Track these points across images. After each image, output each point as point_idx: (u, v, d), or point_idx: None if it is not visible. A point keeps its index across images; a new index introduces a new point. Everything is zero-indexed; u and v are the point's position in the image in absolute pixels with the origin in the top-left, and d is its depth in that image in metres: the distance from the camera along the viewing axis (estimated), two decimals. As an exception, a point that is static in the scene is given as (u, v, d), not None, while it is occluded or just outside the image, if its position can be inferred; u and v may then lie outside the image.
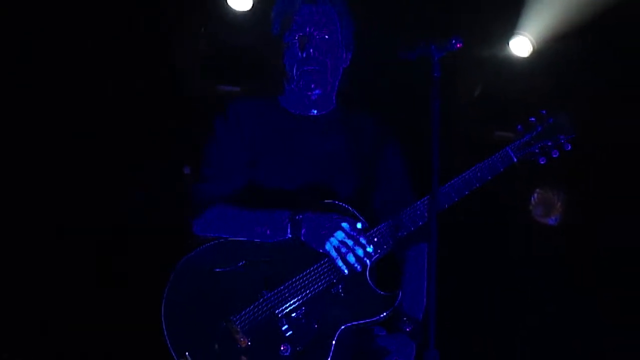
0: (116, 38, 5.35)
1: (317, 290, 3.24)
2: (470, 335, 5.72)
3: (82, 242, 5.57)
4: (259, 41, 5.19)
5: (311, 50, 3.50)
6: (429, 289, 2.88)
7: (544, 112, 3.39)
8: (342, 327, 3.20)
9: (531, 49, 5.56)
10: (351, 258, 3.22)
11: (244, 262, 3.27)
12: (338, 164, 3.53)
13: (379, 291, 3.26)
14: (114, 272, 5.55)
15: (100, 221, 5.57)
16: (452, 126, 5.50)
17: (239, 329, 3.17)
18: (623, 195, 5.69)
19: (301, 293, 3.23)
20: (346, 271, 3.23)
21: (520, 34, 5.54)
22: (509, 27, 5.53)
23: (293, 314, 3.21)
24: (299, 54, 3.52)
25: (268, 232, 3.31)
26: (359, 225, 3.27)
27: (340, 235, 3.22)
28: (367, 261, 3.25)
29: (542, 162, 3.35)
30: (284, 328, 3.18)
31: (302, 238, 3.27)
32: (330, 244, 3.22)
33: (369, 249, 3.24)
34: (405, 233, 3.30)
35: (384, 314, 3.23)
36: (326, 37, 3.54)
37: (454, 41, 3.06)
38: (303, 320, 3.20)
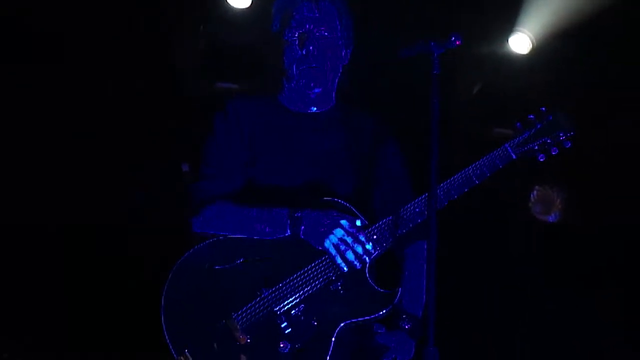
0: (116, 37, 5.35)
1: (316, 287, 3.23)
2: (469, 332, 5.72)
3: (82, 241, 5.57)
4: (259, 39, 5.20)
5: (311, 48, 3.50)
6: (428, 286, 2.89)
7: (544, 109, 3.37)
8: (342, 324, 3.19)
9: (530, 46, 5.56)
10: (350, 255, 3.22)
11: (243, 259, 3.27)
12: (337, 161, 3.52)
13: (378, 289, 3.25)
14: (114, 272, 5.55)
15: (100, 221, 5.57)
16: (451, 123, 5.51)
17: (238, 327, 3.17)
18: (623, 195, 5.69)
19: (300, 290, 3.22)
20: (345, 268, 3.23)
21: (520, 31, 5.53)
22: (508, 24, 5.52)
23: (292, 312, 3.20)
24: (299, 51, 3.52)
25: (267, 229, 3.31)
26: (358, 223, 3.26)
27: (339, 232, 3.22)
28: (366, 259, 3.24)
29: (541, 160, 3.34)
30: (283, 325, 3.18)
31: (302, 235, 3.27)
32: (330, 241, 3.22)
33: (368, 247, 3.23)
34: (404, 230, 3.29)
35: (383, 311, 3.22)
36: (326, 34, 3.53)
37: (453, 38, 3.07)
38: (302, 318, 3.20)
